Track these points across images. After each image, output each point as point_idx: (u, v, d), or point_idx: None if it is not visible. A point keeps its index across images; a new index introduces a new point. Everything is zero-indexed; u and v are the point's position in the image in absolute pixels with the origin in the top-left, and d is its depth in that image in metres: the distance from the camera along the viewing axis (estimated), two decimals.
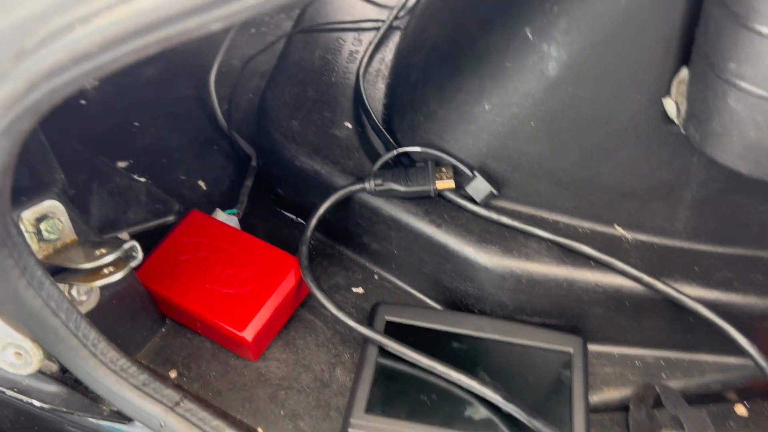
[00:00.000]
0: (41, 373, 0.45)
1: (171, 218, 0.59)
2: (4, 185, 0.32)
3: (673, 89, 0.44)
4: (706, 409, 0.52)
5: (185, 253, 0.51)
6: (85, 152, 0.64)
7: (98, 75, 0.27)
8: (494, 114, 0.50)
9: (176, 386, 0.48)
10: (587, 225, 0.52)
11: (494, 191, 0.51)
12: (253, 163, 0.63)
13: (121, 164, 0.64)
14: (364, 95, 0.60)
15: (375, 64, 0.64)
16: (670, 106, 0.44)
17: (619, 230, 0.52)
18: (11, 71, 0.27)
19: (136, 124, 0.68)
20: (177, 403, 0.40)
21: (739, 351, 0.49)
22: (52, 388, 0.45)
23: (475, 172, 0.51)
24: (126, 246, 0.41)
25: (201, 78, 0.72)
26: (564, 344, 0.50)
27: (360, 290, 0.56)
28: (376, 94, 0.61)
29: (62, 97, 0.28)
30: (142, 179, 0.63)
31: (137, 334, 0.50)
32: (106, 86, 0.72)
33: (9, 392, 0.45)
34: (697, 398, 0.52)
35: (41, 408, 0.45)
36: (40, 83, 0.27)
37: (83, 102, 0.71)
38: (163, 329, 0.52)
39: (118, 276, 0.40)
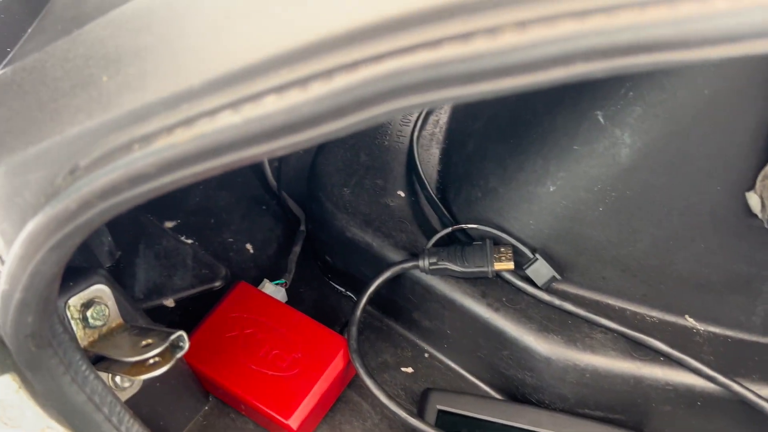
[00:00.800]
0: None
1: (217, 284, 0.58)
2: (52, 292, 0.30)
3: (758, 184, 0.41)
4: None
5: (231, 330, 0.50)
6: (132, 210, 0.63)
7: (155, 195, 0.26)
8: (559, 196, 0.47)
9: None
10: (656, 314, 0.49)
11: (557, 275, 0.48)
12: (302, 227, 0.61)
13: (169, 224, 0.63)
14: (417, 162, 0.58)
15: (429, 127, 0.62)
16: (754, 200, 0.41)
17: (690, 321, 0.48)
18: (65, 188, 0.26)
19: None
20: None
21: None
22: None
23: (537, 255, 0.48)
24: (173, 337, 0.39)
25: None
26: None
27: (409, 370, 0.54)
28: (430, 159, 0.59)
29: (116, 214, 0.27)
30: (189, 241, 0.62)
31: (180, 414, 0.48)
32: None
33: None
34: None
35: None
36: (94, 203, 0.25)
37: None
38: (206, 407, 0.50)
39: (163, 369, 0.38)
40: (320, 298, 0.58)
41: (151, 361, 0.39)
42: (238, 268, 0.60)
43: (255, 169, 0.69)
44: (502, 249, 0.50)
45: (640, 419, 0.48)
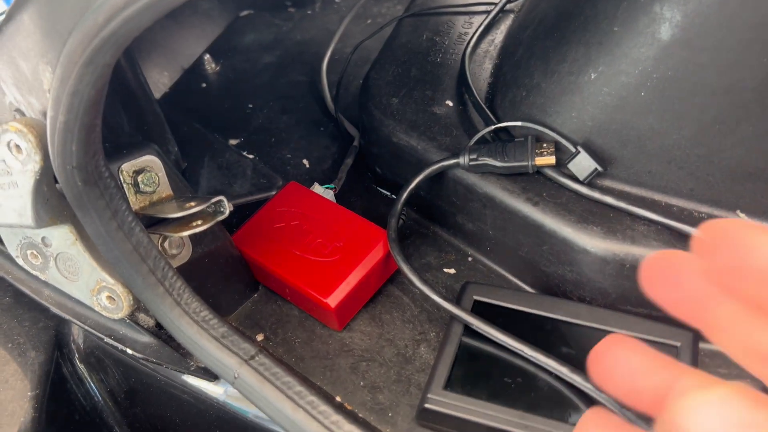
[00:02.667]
0: (137, 324, 0.47)
1: (273, 192, 0.60)
2: (93, 123, 0.33)
3: None
4: None
5: (280, 221, 0.52)
6: (201, 130, 0.67)
7: (170, 6, 0.28)
8: (601, 84, 0.46)
9: (255, 342, 0.49)
10: (705, 210, 0.47)
11: (599, 168, 0.47)
12: (355, 143, 0.63)
13: (233, 141, 0.67)
14: (467, 72, 0.58)
15: (484, 45, 0.62)
16: None
17: (742, 216, 0.46)
18: (92, 3, 0.28)
19: (251, 106, 0.71)
20: (252, 357, 0.40)
21: None
22: (146, 339, 0.47)
23: (579, 148, 0.48)
24: (214, 199, 0.42)
25: (314, 65, 0.74)
26: (671, 337, 0.45)
27: (452, 271, 0.54)
28: (482, 74, 0.60)
29: (138, 30, 0.29)
30: (251, 156, 0.65)
31: (229, 297, 0.51)
32: (225, 71, 0.76)
33: (107, 339, 0.48)
34: None
35: (133, 357, 0.47)
36: (117, 13, 0.28)
37: (204, 85, 0.75)
38: (256, 295, 0.53)
39: (204, 227, 0.41)
40: (369, 205, 0.59)
41: (194, 222, 0.42)
42: (294, 179, 0.62)
43: (315, 97, 0.71)
44: (544, 144, 0.49)
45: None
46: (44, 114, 0.36)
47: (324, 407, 0.38)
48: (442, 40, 0.64)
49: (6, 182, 0.38)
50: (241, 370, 0.40)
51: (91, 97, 0.31)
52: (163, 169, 0.44)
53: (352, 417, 0.39)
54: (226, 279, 0.50)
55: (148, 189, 0.43)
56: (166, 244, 0.45)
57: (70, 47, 0.30)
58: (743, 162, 0.45)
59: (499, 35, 0.63)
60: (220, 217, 0.42)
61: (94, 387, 0.55)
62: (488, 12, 0.64)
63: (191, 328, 0.41)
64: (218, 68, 0.77)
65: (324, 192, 0.57)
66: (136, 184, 0.43)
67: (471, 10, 0.66)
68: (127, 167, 0.43)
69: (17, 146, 0.36)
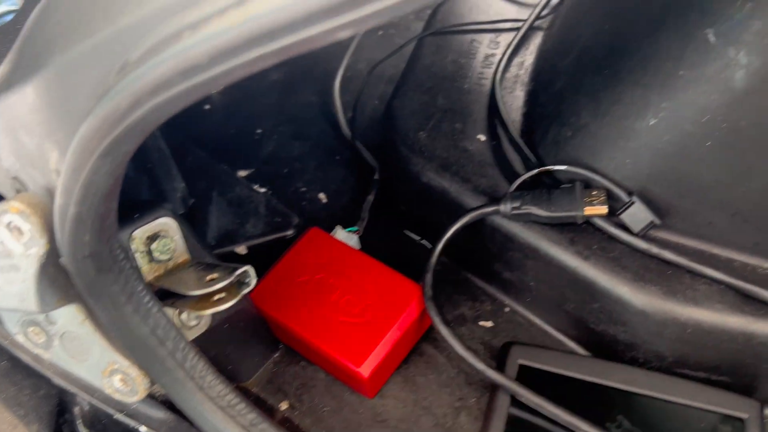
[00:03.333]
0: (151, 397, 0.43)
1: (290, 232, 0.56)
2: (109, 210, 0.29)
3: None
4: None
5: (303, 275, 0.48)
6: (207, 159, 0.62)
7: (210, 90, 0.23)
8: (661, 130, 0.42)
9: (284, 423, 0.45)
10: None
11: (656, 220, 0.43)
12: (377, 176, 0.59)
13: (242, 173, 0.62)
14: (500, 103, 0.54)
15: (513, 69, 0.58)
16: None
17: None
18: (114, 86, 0.24)
19: (259, 131, 0.66)
20: (254, 425, 0.36)
21: None
22: (161, 414, 0.43)
23: (634, 197, 0.44)
24: (239, 272, 0.37)
25: (326, 83, 0.69)
26: (736, 408, 0.42)
27: (489, 324, 0.50)
28: (513, 102, 0.55)
29: (169, 115, 0.24)
30: (263, 189, 0.60)
31: (249, 360, 0.47)
32: (230, 90, 0.71)
33: (118, 415, 0.43)
34: None
35: None
36: (145, 99, 0.23)
37: (207, 107, 0.70)
38: (276, 354, 0.48)
39: (228, 304, 0.37)
40: (395, 248, 0.55)
41: (216, 297, 0.37)
42: (311, 217, 0.58)
43: (329, 119, 0.67)
44: (594, 192, 0.45)
45: (749, 382, 0.43)
46: (48, 190, 0.31)
47: None
48: (468, 63, 0.59)
49: (5, 265, 0.33)
50: None
51: (108, 186, 0.27)
52: (180, 232, 0.40)
53: None
54: (246, 342, 0.46)
55: (163, 257, 0.39)
56: (183, 316, 0.40)
57: (86, 135, 0.25)
58: None
59: (528, 56, 0.58)
60: (246, 290, 0.38)
61: None
62: (516, 29, 0.60)
63: (215, 414, 0.37)
64: (222, 87, 0.71)
65: (347, 237, 0.52)
66: (149, 252, 0.38)
67: (497, 27, 0.61)
68: (140, 234, 0.38)
69: (18, 228, 0.31)
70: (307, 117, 0.67)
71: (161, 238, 0.39)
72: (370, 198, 0.57)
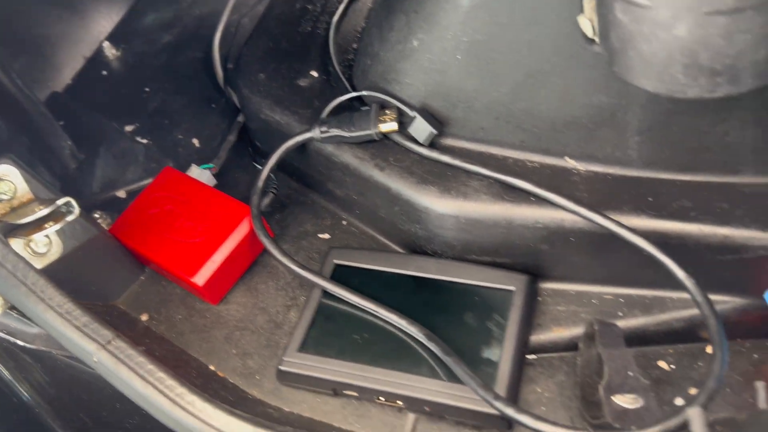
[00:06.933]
0: (27, 318, 0.52)
1: None
2: None
3: (585, 5, 0.41)
4: (675, 349, 0.49)
5: (154, 208, 0.56)
6: (99, 118, 0.69)
7: None
8: (423, 50, 0.48)
9: (145, 332, 0.53)
10: (537, 159, 0.50)
11: (434, 131, 0.50)
12: (239, 118, 0.66)
13: (128, 128, 0.69)
14: (330, 42, 0.60)
15: (355, 13, 0.63)
16: (584, 24, 0.41)
17: (570, 162, 0.49)
18: None
19: (147, 89, 0.73)
20: (109, 342, 0.44)
21: (710, 287, 0.46)
22: (34, 330, 0.51)
23: (415, 113, 0.50)
24: (60, 202, 0.45)
25: (211, 40, 0.75)
26: (507, 283, 0.49)
27: (326, 236, 0.58)
28: (351, 42, 0.61)
29: None
30: (144, 141, 0.68)
31: (114, 283, 0.55)
32: (126, 56, 0.78)
33: (1, 334, 0.52)
34: (662, 337, 0.48)
35: (23, 347, 0.51)
36: None
37: (105, 73, 0.77)
38: (143, 277, 0.56)
39: (55, 227, 0.45)
40: (252, 181, 0.62)
41: (46, 225, 0.45)
42: (185, 160, 0.65)
43: (210, 72, 0.73)
44: (387, 111, 0.52)
45: (527, 262, 0.50)
46: None
47: (170, 381, 0.42)
48: (315, 8, 0.65)
49: None
50: (99, 353, 0.44)
51: None
52: (20, 176, 0.48)
53: (195, 388, 0.43)
54: (107, 267, 0.54)
55: (4, 197, 0.47)
56: (32, 245, 0.48)
57: None
58: (560, 112, 0.47)
59: (369, 2, 0.64)
60: (71, 217, 0.46)
61: (18, 387, 0.59)
62: None
63: (56, 320, 0.45)
64: (119, 53, 0.79)
65: (201, 173, 0.60)
66: None
67: None
68: None
69: None
70: (190, 73, 0.74)
71: (2, 181, 0.47)
72: (231, 138, 0.64)
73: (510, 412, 0.40)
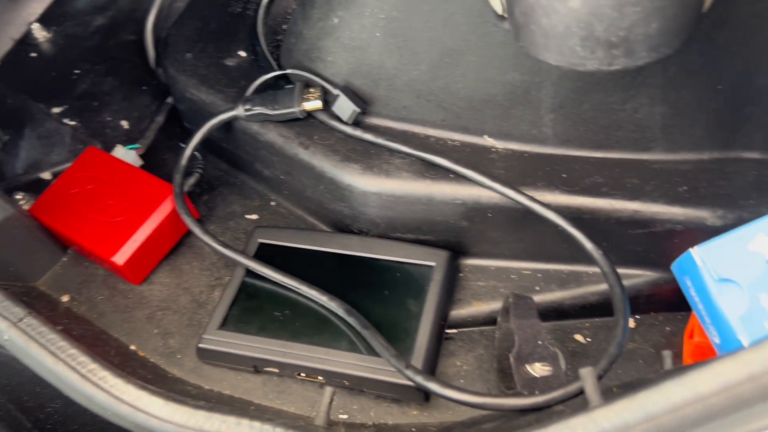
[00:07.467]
0: None
1: None
2: None
3: None
4: (591, 322, 0.50)
5: (76, 187, 0.55)
6: (25, 100, 0.68)
7: None
8: (343, 28, 0.49)
9: (66, 313, 0.52)
10: (457, 137, 0.50)
11: (357, 109, 0.50)
12: (169, 99, 0.65)
13: (56, 110, 0.68)
14: (259, 22, 0.60)
15: None
16: (494, 1, 0.42)
17: (489, 141, 0.50)
18: None
19: (77, 71, 0.72)
20: (21, 319, 0.44)
21: (623, 261, 0.47)
22: None
23: (338, 91, 0.50)
24: None
25: (144, 22, 0.75)
26: (427, 258, 0.49)
27: (254, 217, 0.58)
28: (282, 26, 0.61)
29: None
30: (72, 123, 0.66)
31: (35, 264, 0.54)
32: (57, 38, 0.76)
33: None
34: (578, 310, 0.50)
35: None
36: None
37: (34, 55, 0.75)
38: (65, 259, 0.56)
39: None
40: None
41: None
42: (113, 142, 0.64)
43: (142, 54, 0.72)
44: (311, 90, 0.52)
45: (449, 239, 0.51)
46: None
47: (83, 358, 0.42)
48: None
49: None
50: (9, 331, 0.43)
51: None
52: None
53: (109, 364, 0.42)
54: (26, 248, 0.53)
55: None
56: None
57: None
58: (477, 90, 0.48)
59: None
60: None
61: None
62: None
63: None
64: (50, 36, 0.77)
65: (126, 153, 0.59)
66: None
67: None
68: None
69: None
70: (122, 55, 0.73)
71: None
72: (159, 119, 0.64)
73: (419, 379, 0.40)
